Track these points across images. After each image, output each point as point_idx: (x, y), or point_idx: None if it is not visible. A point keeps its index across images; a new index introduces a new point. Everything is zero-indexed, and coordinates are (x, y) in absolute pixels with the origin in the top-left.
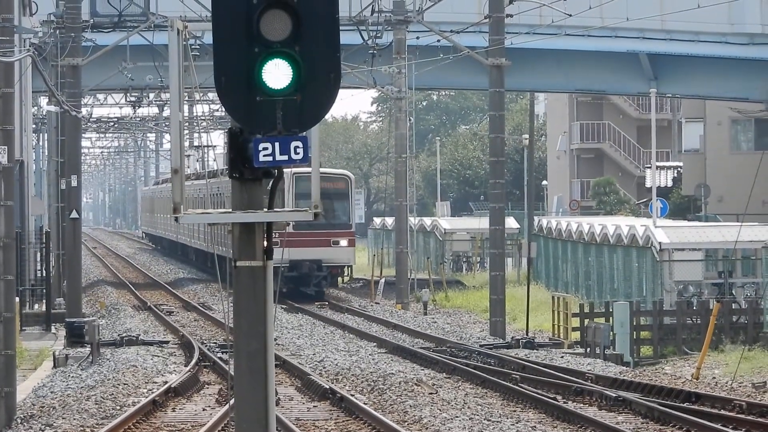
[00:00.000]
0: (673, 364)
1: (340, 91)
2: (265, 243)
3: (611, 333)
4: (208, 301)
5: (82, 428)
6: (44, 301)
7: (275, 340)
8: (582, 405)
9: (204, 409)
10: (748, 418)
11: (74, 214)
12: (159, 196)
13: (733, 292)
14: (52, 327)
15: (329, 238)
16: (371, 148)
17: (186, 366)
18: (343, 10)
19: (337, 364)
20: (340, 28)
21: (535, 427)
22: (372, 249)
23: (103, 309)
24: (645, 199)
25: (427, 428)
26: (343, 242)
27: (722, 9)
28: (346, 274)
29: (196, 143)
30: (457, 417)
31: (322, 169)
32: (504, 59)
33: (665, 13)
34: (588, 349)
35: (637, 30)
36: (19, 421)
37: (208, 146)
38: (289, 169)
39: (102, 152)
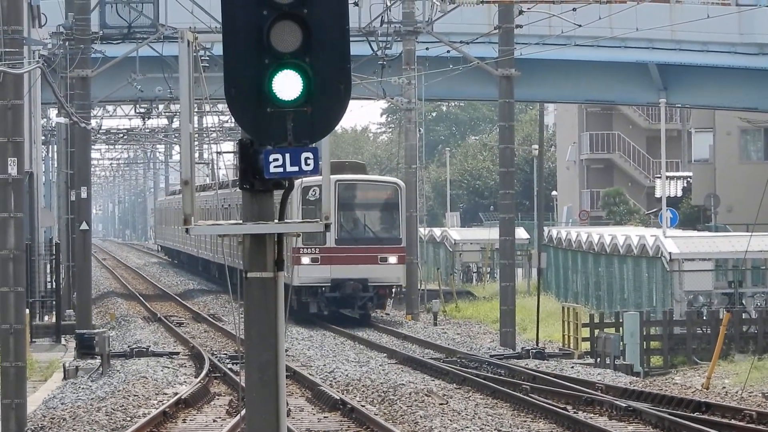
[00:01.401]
0: (683, 374)
1: (350, 102)
2: (276, 254)
3: (621, 343)
4: (218, 312)
5: None
6: (54, 312)
7: (286, 350)
8: (592, 415)
9: (215, 421)
10: (759, 427)
11: (84, 226)
12: (177, 206)
13: (743, 301)
14: (62, 338)
15: (377, 254)
16: (381, 159)
17: (196, 377)
18: (352, 21)
19: (347, 375)
20: (350, 38)
21: None
22: None
23: (113, 320)
24: (655, 209)
25: None
26: (392, 259)
27: (732, 19)
28: (394, 294)
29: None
30: (467, 427)
31: (368, 177)
32: (513, 70)
33: (675, 23)
34: (598, 360)
35: (646, 40)
36: None
37: (231, 152)
38: (333, 176)
39: (111, 164)
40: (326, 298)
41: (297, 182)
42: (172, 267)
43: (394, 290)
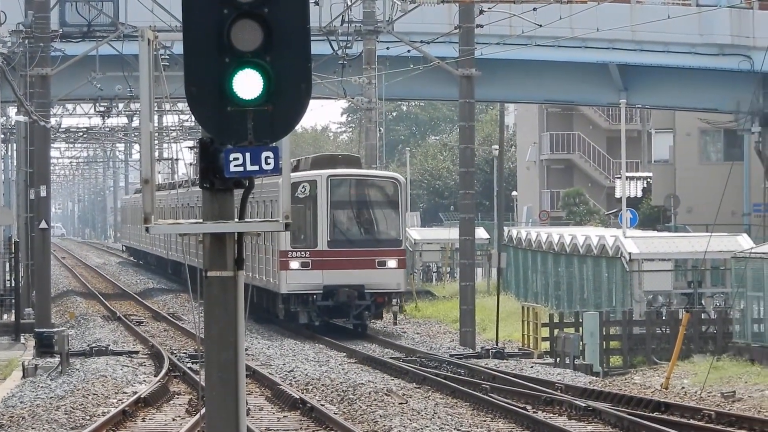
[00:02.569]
0: (642, 373)
1: (311, 101)
2: (236, 253)
3: (581, 343)
4: (177, 311)
5: None
6: (13, 311)
7: (245, 349)
8: (552, 415)
9: (174, 419)
10: (718, 427)
11: (43, 224)
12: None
13: (703, 302)
14: (21, 337)
15: (374, 257)
16: None
17: (156, 376)
18: (313, 20)
19: (307, 374)
20: (311, 38)
21: None
22: None
23: (73, 319)
24: (615, 210)
25: None
26: (392, 263)
27: (692, 20)
28: (394, 303)
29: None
30: (427, 427)
31: (364, 172)
32: (474, 70)
33: (635, 23)
34: (558, 359)
35: (607, 41)
36: None
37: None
38: (325, 171)
39: (71, 162)
40: (318, 307)
41: (322, 174)
42: (132, 266)
43: (393, 298)
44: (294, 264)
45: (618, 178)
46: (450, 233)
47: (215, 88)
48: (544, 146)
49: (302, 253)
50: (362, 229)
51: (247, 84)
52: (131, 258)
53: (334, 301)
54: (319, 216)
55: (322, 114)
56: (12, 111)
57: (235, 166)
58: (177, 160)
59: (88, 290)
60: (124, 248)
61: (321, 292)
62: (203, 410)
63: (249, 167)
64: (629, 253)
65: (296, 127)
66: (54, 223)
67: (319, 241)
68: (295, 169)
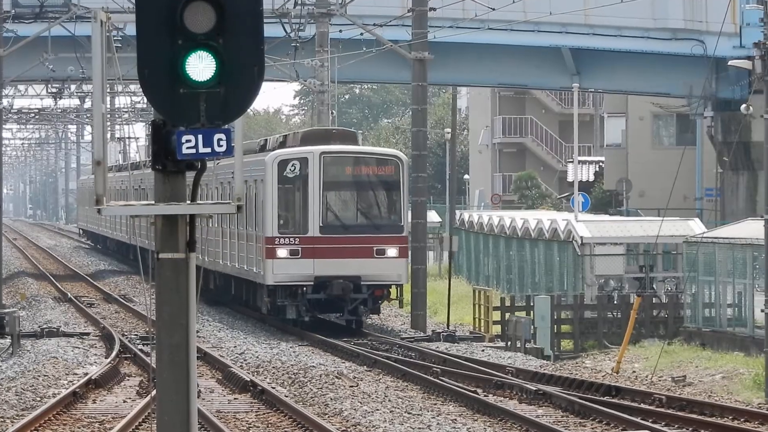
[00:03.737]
0: (593, 358)
1: (263, 83)
2: (188, 235)
3: (532, 327)
4: (129, 293)
5: (2, 419)
6: None
7: (197, 332)
8: (502, 398)
9: (125, 401)
10: (668, 411)
11: None
12: (113, 186)
13: (654, 286)
14: None
15: (372, 245)
16: None
17: (107, 358)
18: (266, 2)
19: (258, 357)
20: (264, 20)
21: (455, 420)
22: None
23: (24, 300)
24: (567, 194)
25: (347, 421)
26: (392, 251)
27: (645, 4)
28: (394, 297)
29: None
30: (377, 410)
31: (361, 149)
32: (427, 53)
33: (588, 8)
34: (509, 343)
35: (559, 24)
36: None
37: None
38: (317, 147)
39: (23, 143)
40: (308, 301)
41: (272, 156)
42: (83, 248)
43: (394, 291)
44: (282, 252)
45: (570, 162)
46: None
47: (168, 70)
48: (497, 130)
49: (291, 239)
50: (359, 213)
51: (200, 66)
52: (89, 242)
53: (327, 294)
54: (310, 198)
55: (275, 96)
56: None
57: (187, 148)
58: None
59: (40, 271)
60: (81, 232)
61: (312, 283)
62: (154, 392)
63: (201, 149)
64: (581, 237)
65: (248, 110)
66: (5, 204)
67: (311, 227)
68: (282, 145)
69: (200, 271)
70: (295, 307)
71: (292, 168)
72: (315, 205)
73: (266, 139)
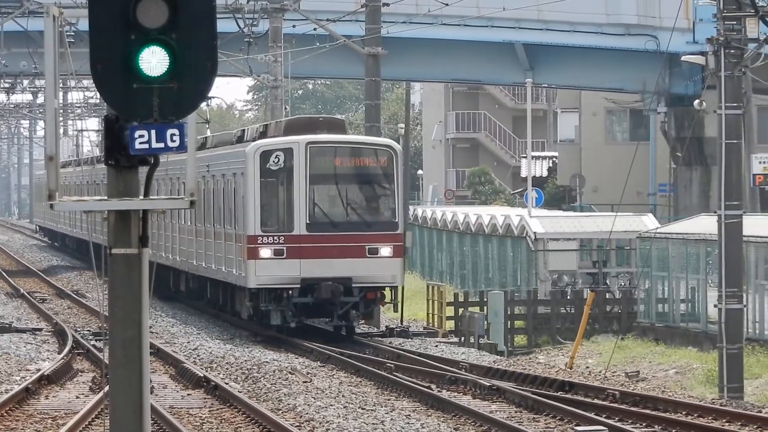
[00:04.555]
0: (547, 353)
1: (216, 79)
2: (141, 231)
3: (486, 322)
4: (81, 288)
5: None
6: None
7: (150, 327)
8: (456, 394)
9: (77, 397)
10: (621, 407)
11: None
12: (64, 181)
13: (608, 281)
14: None
15: (364, 244)
16: None
17: (59, 354)
18: None
19: (211, 353)
20: (217, 15)
21: (409, 415)
22: None
23: None
24: (520, 189)
25: (301, 416)
26: (385, 250)
27: (599, 0)
28: (389, 300)
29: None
30: (331, 405)
31: (352, 138)
32: (380, 48)
33: (541, 3)
34: (462, 338)
35: (513, 20)
36: None
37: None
38: (302, 137)
39: None
40: (294, 305)
41: (253, 147)
42: (37, 243)
43: (388, 294)
44: (265, 252)
45: (524, 157)
46: None
47: (121, 65)
48: (450, 125)
49: (275, 238)
50: (349, 208)
51: (153, 61)
52: (46, 239)
53: (315, 298)
54: (296, 193)
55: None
56: None
57: (140, 143)
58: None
59: None
60: (38, 228)
61: (298, 286)
62: (107, 388)
63: (154, 145)
64: (534, 233)
65: (202, 105)
66: None
67: (296, 224)
68: (262, 135)
69: (153, 267)
70: (280, 312)
71: (276, 160)
72: (301, 200)
73: (244, 130)
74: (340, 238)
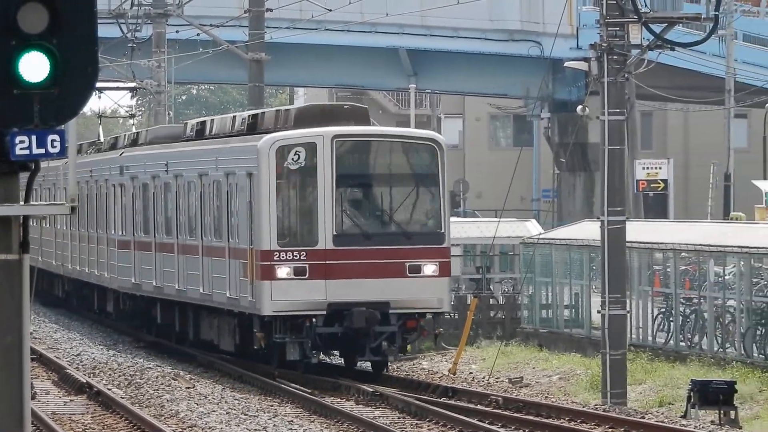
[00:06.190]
0: (430, 359)
1: (99, 84)
2: (22, 237)
3: None
4: None
5: None
6: None
7: (31, 333)
8: (339, 400)
9: None
10: (505, 413)
11: None
12: None
13: (491, 287)
14: None
15: (403, 260)
16: None
17: None
18: (102, 2)
19: (94, 358)
20: (99, 21)
21: (292, 421)
22: None
23: None
24: None
25: (184, 422)
26: (430, 268)
27: (482, 5)
28: (436, 329)
29: None
30: (214, 411)
31: (388, 130)
32: (264, 54)
33: (425, 9)
34: None
35: (397, 25)
36: None
37: None
38: (326, 129)
39: None
40: (318, 336)
41: (268, 142)
42: None
43: (432, 320)
44: (283, 271)
45: None
46: None
47: (1, 71)
48: None
49: (295, 254)
50: (385, 217)
51: (33, 67)
52: None
53: (344, 327)
54: (320, 198)
55: (112, 97)
56: None
57: (20, 149)
58: None
59: None
60: None
61: (324, 312)
62: None
63: (35, 150)
64: None
65: (84, 110)
66: None
67: (321, 237)
68: (252, 127)
69: (35, 272)
70: (298, 344)
71: (295, 157)
72: (327, 207)
73: (204, 122)
74: (374, 254)
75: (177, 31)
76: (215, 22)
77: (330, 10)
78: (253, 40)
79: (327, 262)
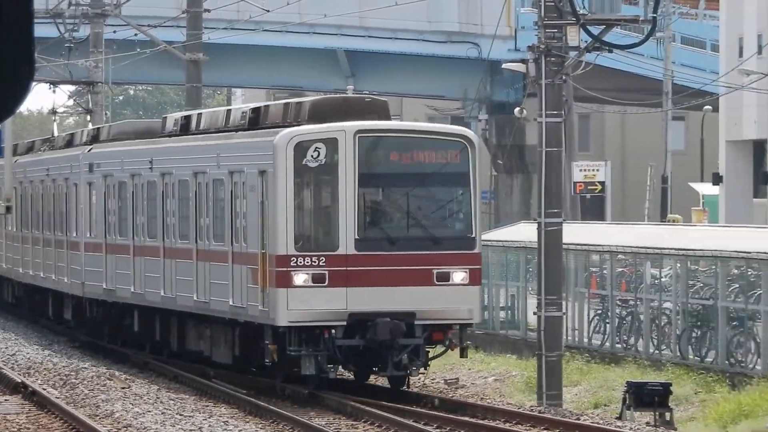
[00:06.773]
0: None
1: (36, 84)
2: None
3: None
4: None
5: None
6: None
7: None
8: (274, 399)
9: None
10: (440, 414)
11: None
12: None
13: None
14: None
15: (431, 267)
16: None
17: None
18: (39, 2)
19: (29, 358)
20: (36, 20)
21: (227, 422)
22: None
23: None
24: None
25: (119, 422)
26: (459, 275)
27: (421, 7)
28: (464, 342)
29: None
30: (149, 411)
31: (415, 125)
32: (201, 54)
33: (363, 10)
34: None
35: (335, 26)
36: None
37: None
38: (348, 124)
39: None
40: (338, 349)
41: (285, 137)
42: None
43: (460, 332)
44: (300, 278)
45: None
46: None
47: None
48: None
49: (314, 260)
50: (412, 220)
51: None
52: None
53: (367, 340)
54: (341, 199)
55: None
56: None
57: None
58: None
59: None
60: None
61: (344, 323)
62: None
63: None
64: None
65: (21, 110)
66: None
67: (342, 241)
68: (254, 123)
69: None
70: (314, 358)
71: (315, 154)
72: (348, 209)
73: (189, 116)
74: (399, 260)
75: (114, 31)
76: (153, 22)
77: (268, 11)
78: (190, 40)
79: (348, 268)
